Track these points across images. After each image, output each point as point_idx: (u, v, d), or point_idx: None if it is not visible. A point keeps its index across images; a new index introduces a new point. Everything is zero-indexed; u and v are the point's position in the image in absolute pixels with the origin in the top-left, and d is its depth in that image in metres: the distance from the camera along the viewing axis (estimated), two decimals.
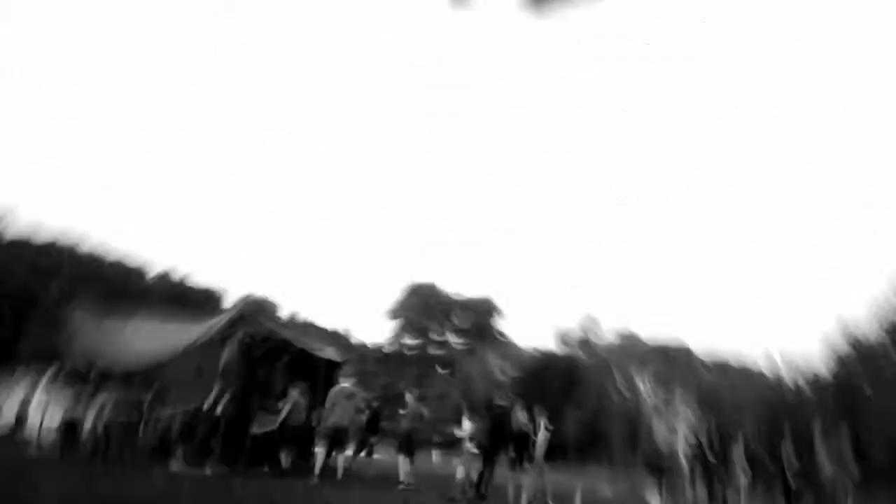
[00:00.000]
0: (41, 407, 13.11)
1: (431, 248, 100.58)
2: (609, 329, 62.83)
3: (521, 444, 11.40)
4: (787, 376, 43.18)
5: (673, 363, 52.79)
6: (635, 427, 44.20)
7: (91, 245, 44.63)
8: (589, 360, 58.50)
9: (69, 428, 12.06)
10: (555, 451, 15.02)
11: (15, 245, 39.16)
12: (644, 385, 53.21)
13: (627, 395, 53.79)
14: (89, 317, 13.04)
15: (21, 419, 13.81)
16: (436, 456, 33.97)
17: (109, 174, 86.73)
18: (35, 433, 12.79)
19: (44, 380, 13.60)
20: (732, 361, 53.46)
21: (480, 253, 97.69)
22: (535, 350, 59.97)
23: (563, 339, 62.44)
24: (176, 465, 10.53)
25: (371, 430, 14.47)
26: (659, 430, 10.99)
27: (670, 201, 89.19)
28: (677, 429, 11.19)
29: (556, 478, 16.23)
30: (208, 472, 10.18)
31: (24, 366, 15.23)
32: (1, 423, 14.24)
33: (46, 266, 34.47)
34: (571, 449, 42.46)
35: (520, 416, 11.61)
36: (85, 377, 12.30)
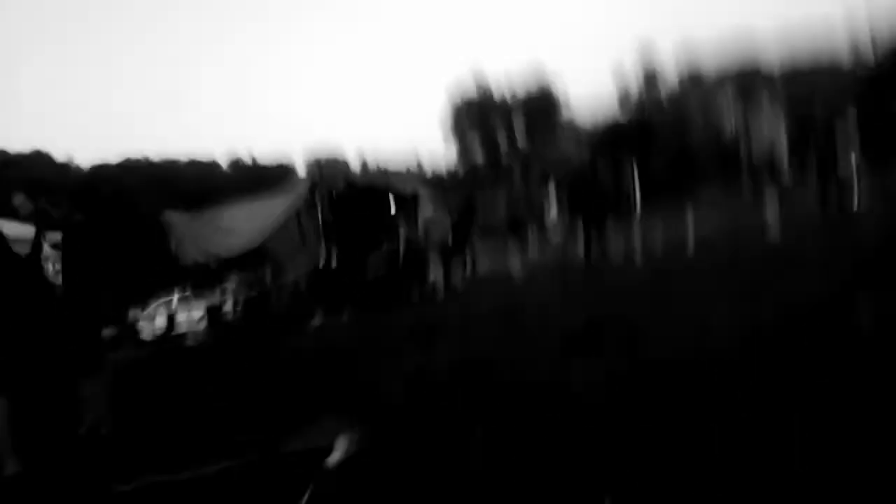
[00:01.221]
0: (185, 306, 14.50)
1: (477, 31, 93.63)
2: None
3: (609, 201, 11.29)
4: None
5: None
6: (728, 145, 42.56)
7: (161, 153, 46.12)
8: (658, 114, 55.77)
9: (212, 314, 13.41)
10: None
11: (94, 173, 41.04)
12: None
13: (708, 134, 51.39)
14: (187, 217, 13.78)
15: (172, 321, 15.47)
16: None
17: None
18: (186, 328, 14.36)
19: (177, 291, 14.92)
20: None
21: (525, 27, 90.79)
22: (601, 127, 57.76)
23: (624, 100, 58.91)
24: (317, 320, 11.60)
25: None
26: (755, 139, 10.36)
27: None
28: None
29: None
30: (345, 318, 11.17)
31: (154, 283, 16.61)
32: (155, 327, 16.02)
33: (130, 183, 36.14)
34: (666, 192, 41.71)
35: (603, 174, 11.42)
36: (203, 271, 13.36)
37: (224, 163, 51.40)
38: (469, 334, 5.27)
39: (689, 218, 11.41)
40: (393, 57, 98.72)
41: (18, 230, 8.81)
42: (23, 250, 7.65)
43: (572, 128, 60.19)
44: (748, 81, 49.73)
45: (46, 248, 4.12)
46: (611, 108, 61.64)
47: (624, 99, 60.02)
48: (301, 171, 48.15)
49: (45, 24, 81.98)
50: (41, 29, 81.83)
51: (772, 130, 12.25)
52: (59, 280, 4.06)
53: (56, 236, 4.12)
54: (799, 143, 11.53)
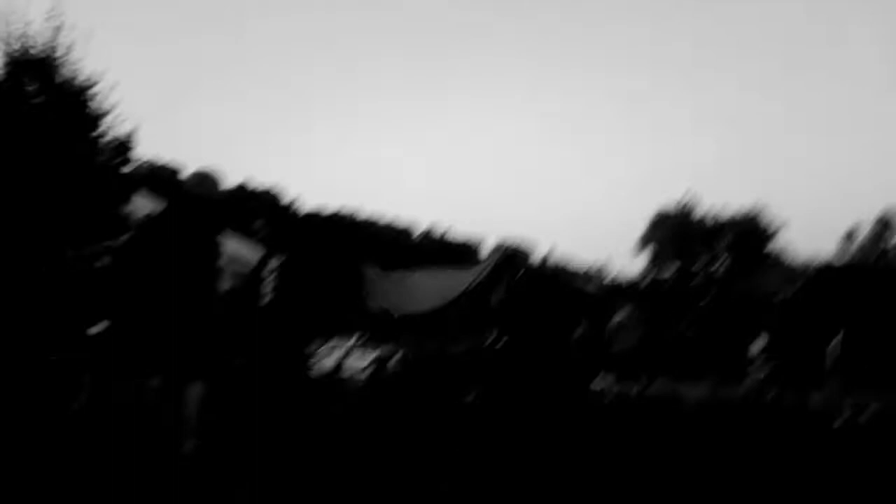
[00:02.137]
0: (357, 350, 15.37)
1: (679, 169, 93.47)
2: None
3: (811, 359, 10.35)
4: None
5: None
6: None
7: (366, 213, 51.01)
8: (883, 264, 49.54)
9: (379, 365, 14.02)
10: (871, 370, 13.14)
11: (310, 218, 46.26)
12: None
13: None
14: (379, 273, 14.82)
15: (339, 364, 16.44)
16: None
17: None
18: (351, 373, 15.14)
19: (355, 336, 15.93)
20: None
21: (736, 161, 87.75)
22: (818, 264, 52.49)
23: (850, 243, 53.40)
24: (470, 397, 11.58)
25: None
26: None
27: None
28: None
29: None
30: (498, 401, 11.01)
31: (337, 323, 17.93)
32: (324, 367, 17.12)
33: (337, 235, 40.12)
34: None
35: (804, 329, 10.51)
36: (384, 324, 14.12)
37: (417, 231, 55.08)
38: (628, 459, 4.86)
39: None
40: (601, 165, 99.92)
41: (245, 251, 10.11)
42: (242, 269, 8.72)
43: (782, 262, 55.35)
44: None
45: (268, 269, 4.66)
46: (830, 251, 56.00)
47: (848, 242, 54.30)
48: (486, 252, 49.81)
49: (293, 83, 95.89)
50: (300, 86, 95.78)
51: None
52: (268, 298, 4.54)
53: (276, 262, 4.63)
54: None
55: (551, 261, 52.61)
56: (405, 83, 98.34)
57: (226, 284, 6.39)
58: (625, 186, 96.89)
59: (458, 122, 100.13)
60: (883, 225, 53.93)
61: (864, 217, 64.34)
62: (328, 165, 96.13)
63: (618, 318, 11.50)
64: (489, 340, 13.01)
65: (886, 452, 5.92)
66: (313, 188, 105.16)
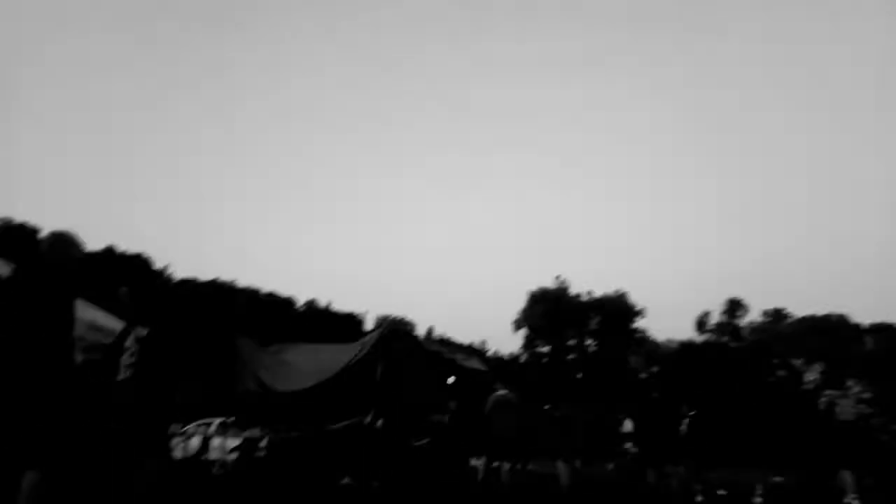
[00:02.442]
0: (223, 432, 14.39)
1: (553, 249, 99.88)
2: (754, 309, 58.79)
3: (670, 438, 11.15)
4: None
5: (829, 335, 48.43)
6: (802, 411, 40.69)
7: (244, 282, 48.97)
8: (734, 343, 54.91)
9: (248, 446, 13.16)
10: (717, 448, 14.38)
11: (181, 286, 43.59)
12: (802, 363, 49.01)
13: (784, 375, 49.78)
14: (255, 347, 14.11)
15: (206, 444, 15.29)
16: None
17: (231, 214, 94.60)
18: (217, 454, 14.10)
19: (223, 416, 14.98)
20: None
21: (606, 247, 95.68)
22: (676, 343, 57.12)
23: (702, 324, 59.09)
24: (346, 480, 11.12)
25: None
26: (839, 410, 10.00)
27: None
28: (853, 408, 10.18)
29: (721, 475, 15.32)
30: (375, 484, 10.65)
31: (206, 401, 16.80)
32: (189, 446, 15.84)
33: (212, 304, 38.03)
34: (734, 442, 39.83)
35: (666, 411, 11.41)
36: (257, 402, 13.33)
37: (299, 303, 53.48)
38: None
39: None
40: (478, 246, 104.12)
41: (105, 320, 9.30)
42: (104, 339, 7.99)
43: (645, 340, 59.41)
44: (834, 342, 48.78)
45: (130, 340, 4.33)
46: (686, 330, 61.11)
47: (702, 322, 59.66)
48: (369, 327, 49.23)
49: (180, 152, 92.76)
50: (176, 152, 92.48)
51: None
52: (129, 371, 4.20)
53: (142, 331, 4.33)
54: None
55: (433, 336, 53.05)
56: (290, 150, 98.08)
57: (79, 356, 5.82)
58: (500, 268, 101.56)
59: (335, 196, 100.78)
60: (734, 305, 60.00)
61: (712, 303, 71.06)
62: (207, 233, 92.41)
63: (497, 394, 11.68)
64: (370, 417, 12.67)
65: None
66: (189, 256, 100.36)
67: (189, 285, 45.03)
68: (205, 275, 47.44)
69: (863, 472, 11.15)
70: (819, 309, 52.75)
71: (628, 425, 11.53)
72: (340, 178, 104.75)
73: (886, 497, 10.14)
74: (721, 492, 12.18)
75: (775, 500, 10.36)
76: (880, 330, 49.84)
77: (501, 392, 11.52)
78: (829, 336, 48.69)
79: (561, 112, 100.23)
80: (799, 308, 58.94)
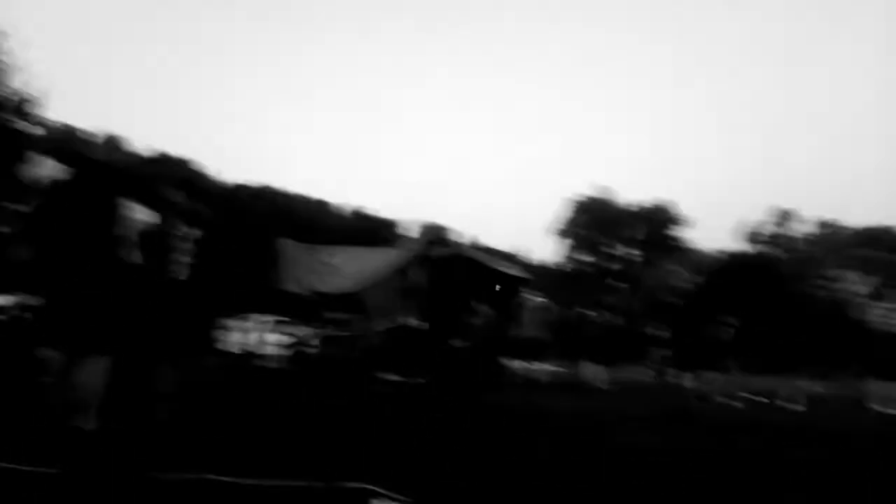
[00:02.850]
0: (276, 329, 15.07)
1: (595, 156, 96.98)
2: (807, 220, 56.86)
3: (706, 345, 11.24)
4: None
5: (887, 248, 46.72)
6: (846, 324, 40.18)
7: (285, 189, 49.86)
8: (785, 255, 53.60)
9: (298, 345, 13.81)
10: (756, 358, 14.53)
11: (227, 194, 44.60)
12: (856, 277, 47.87)
13: (834, 288, 48.77)
14: (300, 248, 14.53)
15: (261, 340, 16.07)
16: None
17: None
18: (272, 350, 14.85)
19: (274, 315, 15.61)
20: None
21: (650, 156, 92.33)
22: (722, 252, 55.91)
23: (754, 236, 57.62)
24: (391, 376, 11.65)
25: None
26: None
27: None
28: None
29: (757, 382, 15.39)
30: (419, 380, 11.15)
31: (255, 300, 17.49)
32: (245, 341, 16.66)
33: (257, 210, 38.86)
34: (775, 354, 39.85)
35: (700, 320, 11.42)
36: (304, 302, 13.87)
37: (340, 209, 54.29)
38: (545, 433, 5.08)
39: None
40: (524, 155, 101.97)
41: (159, 223, 9.65)
42: (155, 242, 8.30)
43: (690, 252, 58.54)
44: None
45: (185, 241, 4.49)
46: (734, 243, 59.81)
47: (752, 234, 58.17)
48: (410, 233, 49.78)
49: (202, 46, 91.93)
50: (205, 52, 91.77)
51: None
52: (185, 271, 4.38)
53: (196, 233, 4.47)
54: None
55: (472, 244, 53.21)
56: (333, 56, 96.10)
57: (136, 256, 6.11)
58: (537, 176, 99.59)
59: (377, 105, 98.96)
60: (785, 216, 58.09)
61: (759, 212, 68.57)
62: (252, 139, 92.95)
63: (534, 300, 11.85)
64: (411, 320, 13.12)
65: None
66: (234, 162, 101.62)
67: (234, 191, 45.97)
68: (247, 181, 48.27)
69: None
70: (878, 221, 50.58)
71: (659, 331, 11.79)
72: (385, 87, 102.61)
73: None
74: (762, 398, 12.19)
75: (815, 407, 10.42)
76: None
77: (536, 299, 11.68)
78: (884, 248, 46.92)
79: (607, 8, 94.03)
80: (857, 220, 56.69)
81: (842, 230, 53.56)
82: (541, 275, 57.97)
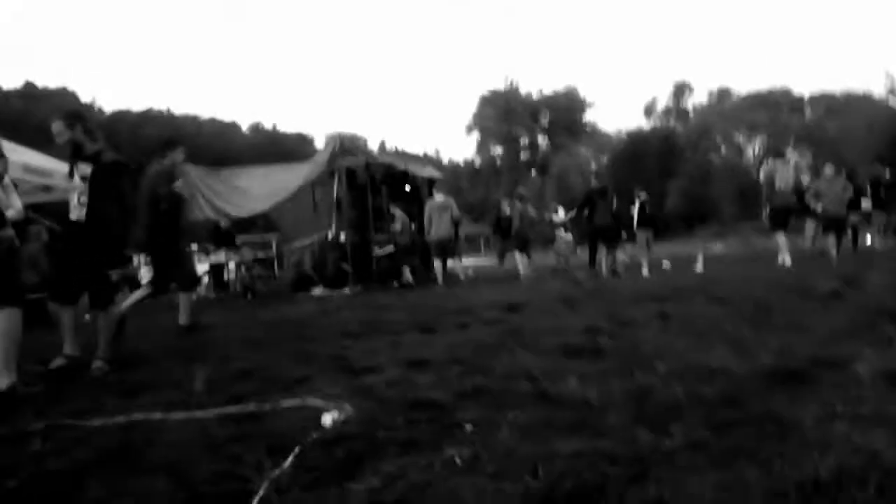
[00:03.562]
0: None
1: (501, 48, 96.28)
2: (701, 90, 59.64)
3: (620, 222, 11.86)
4: None
5: (774, 109, 49.85)
6: (744, 184, 43.31)
7: (183, 109, 46.45)
8: (683, 126, 56.28)
9: (216, 272, 13.50)
10: (661, 224, 15.48)
11: (114, 117, 41.10)
12: (743, 138, 50.99)
13: (728, 153, 51.97)
14: (203, 172, 13.79)
15: None
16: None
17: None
18: None
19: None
20: (840, 94, 49.74)
21: (558, 43, 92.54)
22: (627, 133, 58.01)
23: (650, 111, 59.80)
24: (318, 291, 11.68)
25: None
26: (778, 180, 10.59)
27: None
28: (792, 175, 10.76)
29: (666, 248, 16.68)
30: (347, 291, 11.26)
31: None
32: None
33: (149, 133, 36.27)
34: (679, 220, 42.85)
35: (613, 198, 11.95)
36: (215, 228, 13.40)
37: (244, 127, 51.55)
38: (466, 326, 5.29)
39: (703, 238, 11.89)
40: (426, 55, 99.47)
41: (40, 161, 8.83)
42: (40, 181, 7.64)
43: (595, 133, 60.11)
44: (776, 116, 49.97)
45: (76, 180, 4.17)
46: (636, 119, 61.66)
47: (650, 109, 60.13)
48: (320, 145, 48.25)
49: None
50: None
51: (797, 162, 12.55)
52: (83, 213, 4.11)
53: (86, 169, 4.15)
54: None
55: (386, 149, 52.54)
56: None
57: (16, 201, 5.63)
58: (443, 72, 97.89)
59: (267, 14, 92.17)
60: (680, 89, 60.24)
61: (657, 87, 71.04)
62: (136, 61, 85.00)
63: (434, 199, 11.88)
64: (331, 232, 13.00)
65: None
66: (116, 85, 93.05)
67: (125, 117, 42.48)
68: (135, 106, 44.60)
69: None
70: (764, 85, 53.39)
71: (561, 213, 12.51)
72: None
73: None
74: (666, 262, 13.19)
75: (715, 266, 11.37)
76: (819, 99, 51.28)
77: (439, 198, 11.69)
78: (771, 109, 49.86)
79: None
80: (745, 85, 59.62)
81: (729, 97, 56.29)
82: (457, 172, 58.14)
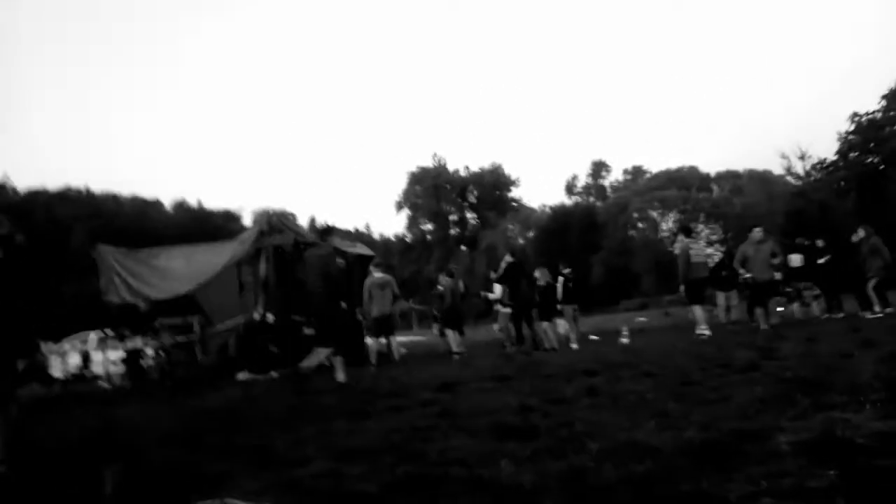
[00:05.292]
0: (103, 346, 13.75)
1: (429, 129, 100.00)
2: (617, 167, 63.74)
3: (549, 295, 12.20)
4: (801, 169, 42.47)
5: (683, 186, 53.46)
6: (661, 257, 45.55)
7: (104, 186, 44.94)
8: (602, 203, 59.26)
9: (132, 358, 12.72)
10: (586, 297, 15.92)
11: (31, 195, 39.11)
12: (658, 214, 54.05)
13: (645, 227, 54.83)
14: (121, 253, 13.24)
15: (87, 360, 14.56)
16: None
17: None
18: (102, 369, 13.53)
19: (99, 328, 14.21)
20: (743, 172, 54.17)
21: (483, 124, 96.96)
22: (550, 208, 60.55)
23: (571, 188, 62.85)
24: (243, 376, 11.16)
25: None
26: (690, 254, 11.03)
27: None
28: (705, 249, 11.32)
29: (592, 320, 17.09)
30: (274, 375, 10.81)
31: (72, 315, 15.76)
32: (69, 368, 15.01)
33: (66, 213, 34.67)
34: (604, 292, 44.32)
35: (542, 273, 12.37)
36: (133, 312, 12.75)
37: (168, 204, 50.22)
38: (400, 410, 5.17)
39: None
40: (356, 130, 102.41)
41: None
42: None
43: (522, 208, 62.23)
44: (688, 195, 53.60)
45: None
46: (559, 196, 64.95)
47: (571, 186, 63.19)
48: (248, 222, 47.45)
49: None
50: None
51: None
52: None
53: None
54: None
55: (316, 224, 52.25)
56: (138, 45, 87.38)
57: None
58: (372, 148, 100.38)
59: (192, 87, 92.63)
60: (598, 167, 63.84)
61: (577, 166, 76.31)
62: (53, 137, 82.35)
63: (372, 277, 11.86)
64: (258, 313, 12.58)
65: None
66: (30, 162, 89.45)
67: (39, 196, 40.48)
68: (51, 185, 42.75)
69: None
70: (674, 163, 57.55)
71: (497, 290, 12.57)
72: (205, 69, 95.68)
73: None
74: (594, 336, 13.48)
75: (639, 338, 11.69)
76: (725, 177, 55.61)
77: (378, 275, 11.70)
78: (681, 187, 53.47)
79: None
80: (656, 164, 64.21)
81: (643, 174, 60.30)
82: (388, 248, 58.30)
